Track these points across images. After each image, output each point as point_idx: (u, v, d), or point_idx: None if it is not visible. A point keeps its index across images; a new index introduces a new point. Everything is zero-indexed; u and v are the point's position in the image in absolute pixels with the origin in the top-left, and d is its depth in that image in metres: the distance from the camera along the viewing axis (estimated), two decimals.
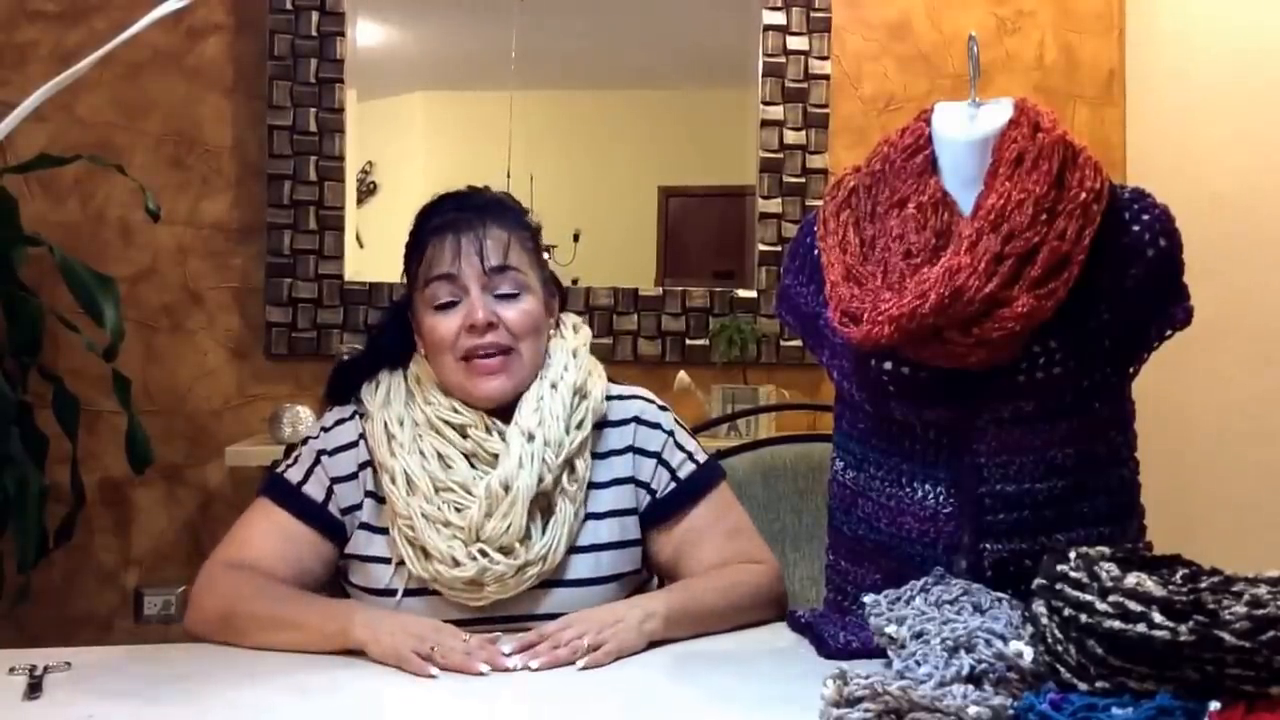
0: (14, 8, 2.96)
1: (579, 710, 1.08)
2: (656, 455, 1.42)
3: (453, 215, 1.40)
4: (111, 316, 2.48)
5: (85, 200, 2.99)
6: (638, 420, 1.44)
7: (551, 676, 1.15)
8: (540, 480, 1.31)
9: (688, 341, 3.14)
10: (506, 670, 1.15)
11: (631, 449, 1.42)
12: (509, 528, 1.29)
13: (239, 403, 3.03)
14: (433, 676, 1.13)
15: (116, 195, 2.96)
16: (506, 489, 1.30)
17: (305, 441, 1.42)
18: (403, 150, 3.32)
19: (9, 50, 2.95)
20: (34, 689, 1.07)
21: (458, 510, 1.30)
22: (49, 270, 2.59)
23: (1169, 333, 1.28)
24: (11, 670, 1.12)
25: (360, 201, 3.19)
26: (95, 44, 1.20)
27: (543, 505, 1.33)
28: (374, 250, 3.16)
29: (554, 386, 1.38)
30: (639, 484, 1.41)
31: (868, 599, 1.15)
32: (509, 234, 1.39)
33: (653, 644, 1.24)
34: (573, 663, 1.17)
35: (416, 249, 1.41)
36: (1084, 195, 1.20)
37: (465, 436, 1.35)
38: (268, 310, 3.03)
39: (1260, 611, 0.84)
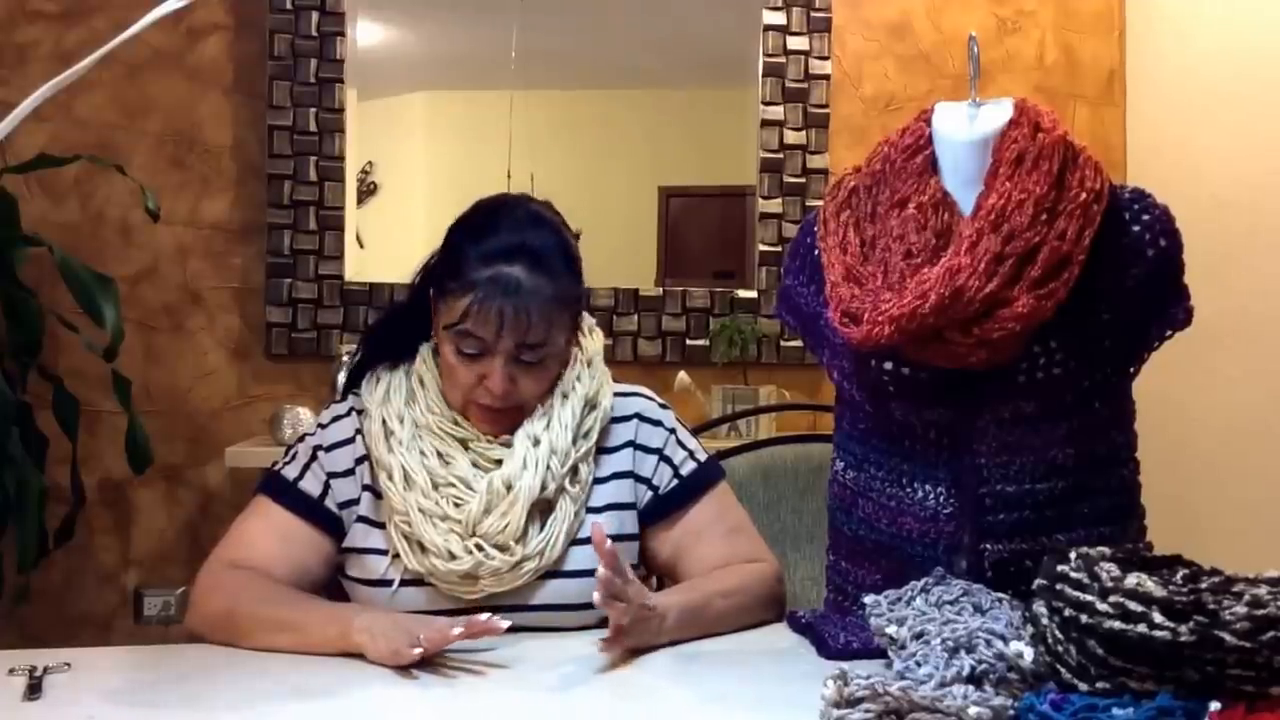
0: (14, 7, 2.96)
1: (579, 710, 1.08)
2: (658, 451, 1.43)
3: (506, 270, 1.30)
4: (111, 317, 2.48)
5: (85, 200, 2.98)
6: (639, 417, 1.44)
7: (550, 676, 1.15)
8: (544, 487, 1.32)
9: (688, 342, 3.14)
10: (480, 633, 1.16)
11: (632, 444, 1.42)
12: (506, 526, 1.29)
13: (239, 403, 3.03)
14: (417, 660, 1.13)
15: (116, 195, 2.96)
16: (508, 488, 1.30)
17: (302, 439, 1.42)
18: (403, 150, 3.32)
19: (9, 50, 2.95)
20: (34, 689, 1.07)
21: (456, 505, 1.30)
22: (49, 270, 2.59)
23: (1169, 333, 1.29)
24: (11, 671, 1.12)
25: (360, 201, 3.19)
26: (95, 44, 1.20)
27: (543, 506, 1.34)
28: (374, 250, 3.16)
29: (565, 396, 1.38)
30: (639, 479, 1.42)
31: (868, 599, 1.15)
32: (554, 307, 1.33)
33: (676, 643, 1.25)
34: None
35: (461, 285, 1.32)
36: (1084, 195, 1.20)
37: (467, 448, 1.36)
38: (268, 310, 3.02)
39: (1260, 612, 0.84)
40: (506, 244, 1.33)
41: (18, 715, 1.03)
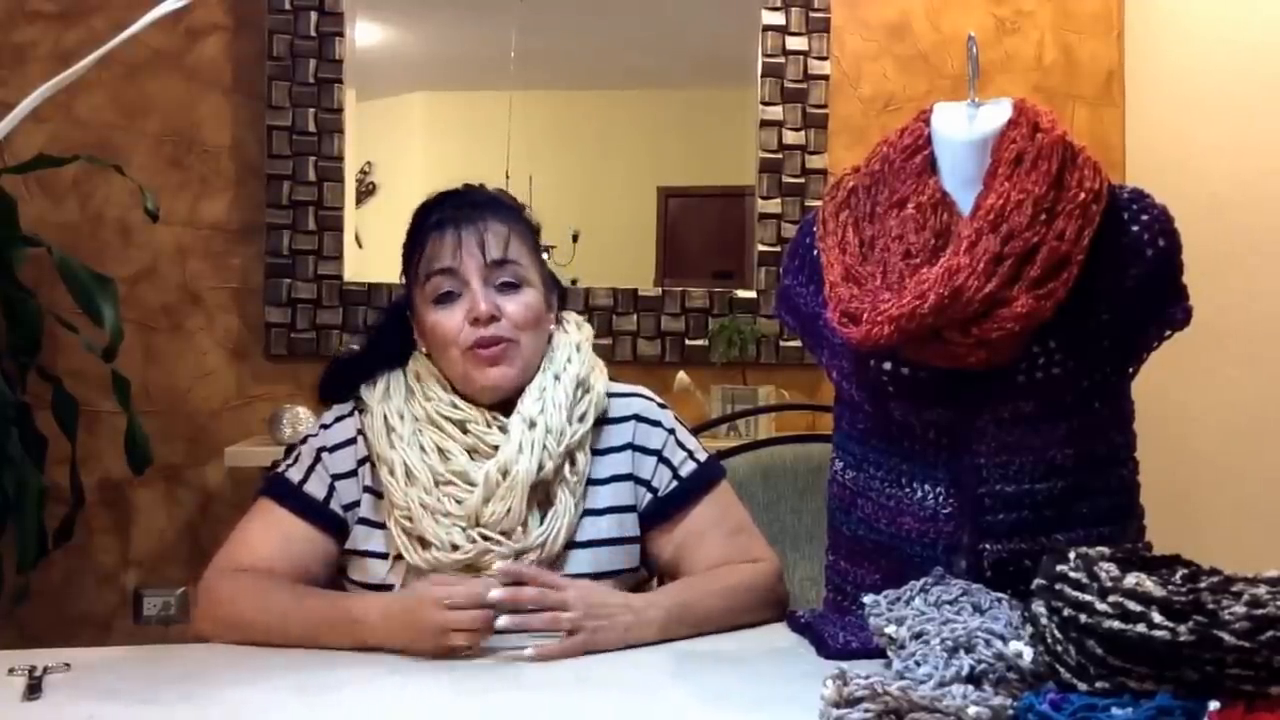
0: (13, 7, 2.96)
1: (579, 709, 1.08)
2: (657, 453, 1.42)
3: (451, 211, 1.40)
4: (110, 317, 2.48)
5: (84, 200, 2.98)
6: (637, 418, 1.44)
7: (551, 676, 1.15)
8: (540, 468, 1.32)
9: (687, 342, 3.14)
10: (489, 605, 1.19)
11: (631, 446, 1.42)
12: (508, 511, 1.30)
13: (238, 403, 3.03)
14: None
15: (115, 195, 2.96)
16: (505, 474, 1.31)
17: (305, 440, 1.41)
18: (402, 150, 3.32)
19: (8, 50, 2.95)
20: (33, 690, 1.07)
21: (458, 502, 1.31)
22: (48, 271, 2.59)
23: (1168, 333, 1.28)
24: (11, 671, 1.11)
25: (359, 202, 3.19)
26: (94, 44, 1.20)
27: (541, 497, 1.34)
28: (373, 251, 3.15)
29: (557, 378, 1.39)
30: (639, 481, 1.41)
31: (867, 599, 1.15)
32: (508, 228, 1.40)
33: (666, 641, 1.25)
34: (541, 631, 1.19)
35: (416, 245, 1.41)
36: (1083, 195, 1.20)
37: (466, 432, 1.36)
38: (267, 311, 3.02)
39: (1260, 611, 0.84)
40: (449, 200, 1.44)
41: (17, 715, 1.02)
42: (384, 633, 1.21)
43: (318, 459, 1.38)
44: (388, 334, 1.47)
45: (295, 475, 1.38)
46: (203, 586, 1.32)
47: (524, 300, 1.39)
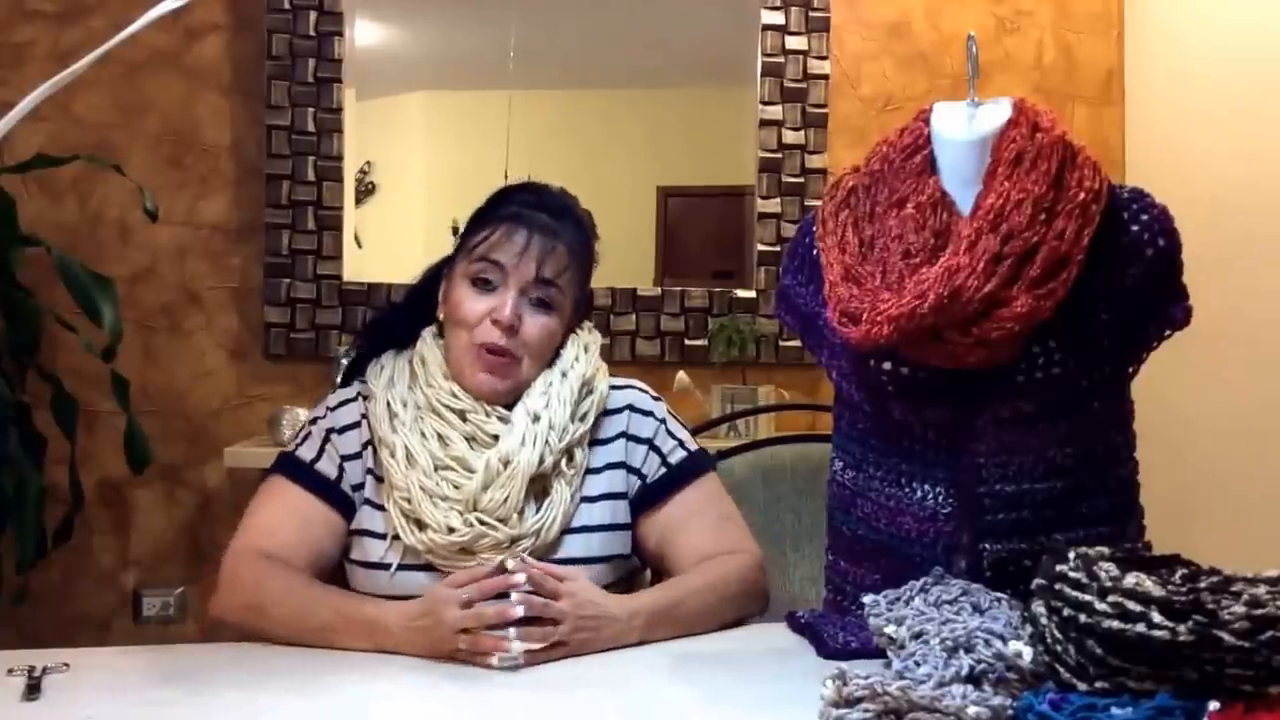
0: (12, 7, 2.96)
1: (579, 709, 1.08)
2: (648, 441, 1.45)
3: (532, 212, 1.42)
4: (110, 317, 2.48)
5: (83, 200, 2.98)
6: (631, 408, 1.46)
7: (551, 675, 1.15)
8: (541, 460, 1.33)
9: (687, 342, 3.14)
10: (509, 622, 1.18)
11: (624, 435, 1.45)
12: (506, 499, 1.31)
13: (238, 403, 3.03)
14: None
15: (114, 195, 2.96)
16: (506, 464, 1.32)
17: (314, 421, 1.44)
18: (401, 150, 3.32)
19: (6, 50, 2.95)
20: (33, 690, 1.07)
21: (456, 487, 1.32)
22: (47, 270, 2.59)
23: (1168, 333, 1.28)
24: (10, 671, 1.11)
25: (359, 201, 3.19)
26: (93, 43, 1.20)
27: (538, 489, 1.35)
28: (372, 250, 3.15)
29: (564, 374, 1.41)
30: (630, 469, 1.44)
31: (867, 599, 1.15)
32: (571, 258, 1.42)
33: (648, 643, 1.25)
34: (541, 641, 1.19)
35: (485, 223, 1.42)
36: (1083, 195, 1.20)
37: (465, 420, 1.37)
38: (266, 311, 3.02)
39: (1259, 611, 0.84)
40: (532, 197, 1.46)
41: (16, 715, 1.02)
42: (401, 638, 1.21)
43: (327, 439, 1.41)
44: (421, 293, 1.49)
45: (307, 454, 1.40)
46: (225, 569, 1.33)
47: (545, 323, 1.40)
